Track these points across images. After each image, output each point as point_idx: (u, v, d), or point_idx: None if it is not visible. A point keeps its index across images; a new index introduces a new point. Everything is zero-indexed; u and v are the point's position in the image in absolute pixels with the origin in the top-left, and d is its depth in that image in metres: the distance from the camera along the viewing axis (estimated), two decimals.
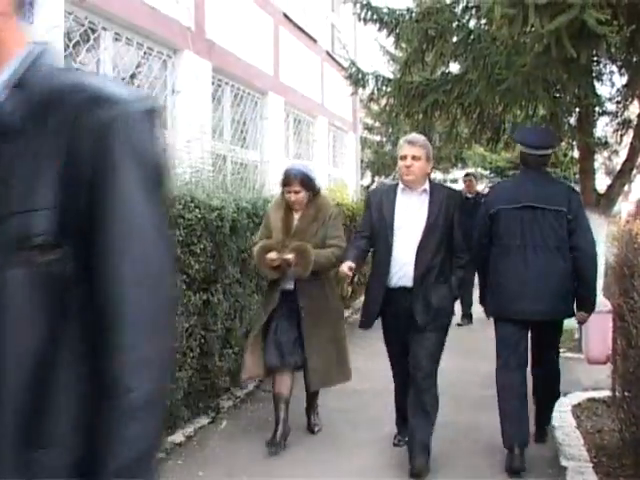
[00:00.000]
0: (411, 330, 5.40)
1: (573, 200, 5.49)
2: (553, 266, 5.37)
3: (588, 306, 5.64)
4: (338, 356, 6.16)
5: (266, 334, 6.02)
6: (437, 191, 5.57)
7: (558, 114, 8.35)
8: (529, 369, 5.73)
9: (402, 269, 5.41)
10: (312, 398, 6.40)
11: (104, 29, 7.85)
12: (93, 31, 7.67)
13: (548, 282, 5.33)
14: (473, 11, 8.53)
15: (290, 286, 6.00)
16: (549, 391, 5.99)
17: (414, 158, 5.43)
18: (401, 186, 5.57)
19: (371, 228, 5.65)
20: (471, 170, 17.73)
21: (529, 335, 5.61)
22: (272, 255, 5.91)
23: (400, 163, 5.52)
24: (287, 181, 6.08)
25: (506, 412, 5.39)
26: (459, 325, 10.77)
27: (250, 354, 6.06)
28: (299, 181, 6.01)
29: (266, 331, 6.03)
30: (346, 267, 5.46)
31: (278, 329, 5.98)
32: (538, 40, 5.97)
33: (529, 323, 5.47)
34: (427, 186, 5.55)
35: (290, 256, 5.84)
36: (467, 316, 11.54)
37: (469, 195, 11.55)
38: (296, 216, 6.12)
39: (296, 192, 6.02)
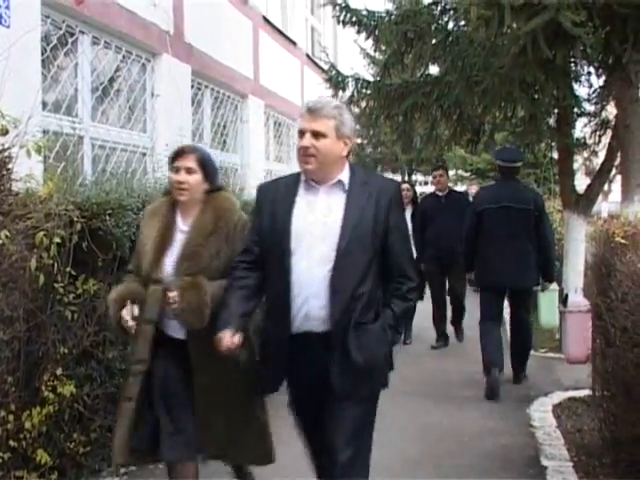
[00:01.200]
0: (325, 398, 3.54)
1: (538, 201, 7.57)
2: (523, 249, 7.38)
3: (549, 276, 7.74)
4: (252, 435, 4.24)
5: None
6: (360, 183, 3.60)
7: (537, 115, 8.39)
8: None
9: (306, 305, 3.47)
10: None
11: (82, 33, 7.81)
12: (71, 35, 7.63)
13: (520, 260, 7.33)
14: (451, 13, 8.57)
15: (179, 335, 3.88)
16: (522, 342, 7.82)
17: (316, 135, 3.50)
18: (303, 178, 3.64)
19: (261, 244, 3.64)
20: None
21: (506, 300, 7.85)
22: (125, 312, 3.82)
23: (298, 143, 3.60)
24: (178, 153, 3.96)
25: (485, 347, 7.38)
26: (433, 348, 9.62)
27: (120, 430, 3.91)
28: (196, 157, 3.92)
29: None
30: (227, 340, 3.54)
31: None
32: (515, 41, 6.02)
33: (505, 290, 7.61)
34: (344, 176, 3.60)
35: (173, 294, 3.74)
36: (443, 336, 9.86)
37: (439, 193, 9.82)
38: (183, 225, 3.97)
39: (188, 170, 3.90)
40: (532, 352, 8.67)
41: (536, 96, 8.29)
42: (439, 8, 8.70)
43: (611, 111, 9.38)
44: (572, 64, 8.08)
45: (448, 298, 9.90)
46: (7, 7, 6.20)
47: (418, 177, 31.26)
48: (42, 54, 6.92)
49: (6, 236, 4.15)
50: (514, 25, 5.70)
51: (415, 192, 10.55)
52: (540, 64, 6.43)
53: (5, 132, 4.38)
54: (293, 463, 4.97)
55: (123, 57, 8.73)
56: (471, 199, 9.45)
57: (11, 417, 4.41)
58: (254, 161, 12.70)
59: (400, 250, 3.60)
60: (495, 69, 7.25)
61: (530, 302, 8.00)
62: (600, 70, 8.25)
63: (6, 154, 4.37)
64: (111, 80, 8.53)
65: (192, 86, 10.41)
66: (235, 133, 12.51)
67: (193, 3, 10.08)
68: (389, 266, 3.58)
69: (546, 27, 5.57)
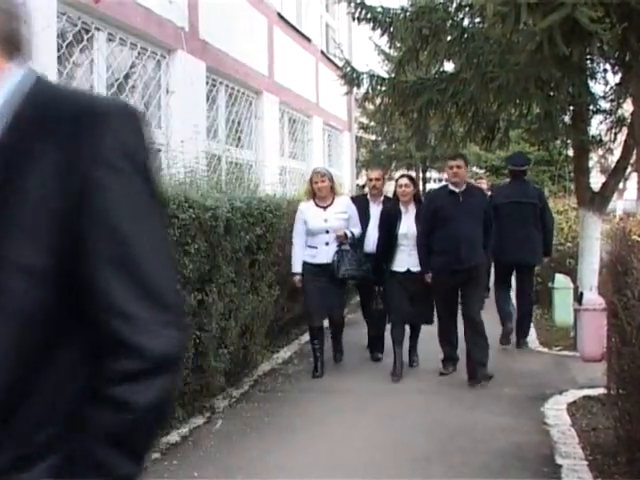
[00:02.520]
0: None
1: (541, 196, 9.68)
2: (531, 234, 9.29)
3: (548, 253, 9.70)
4: None
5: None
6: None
7: (552, 112, 8.37)
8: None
9: None
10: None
11: (97, 29, 7.83)
12: (86, 31, 7.65)
13: (528, 243, 9.25)
14: (466, 10, 8.54)
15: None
16: (525, 309, 9.64)
17: None
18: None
19: None
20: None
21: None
22: None
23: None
24: None
25: (502, 306, 9.61)
26: (442, 374, 8.07)
27: None
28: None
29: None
30: None
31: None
32: (531, 38, 5.99)
33: (515, 266, 9.57)
34: None
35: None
36: (451, 360, 8.21)
37: (455, 188, 7.84)
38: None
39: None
40: (546, 350, 8.69)
41: (551, 93, 8.26)
42: (454, 5, 8.67)
43: (627, 108, 9.34)
44: (588, 61, 8.04)
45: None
46: (23, 4, 6.21)
47: (433, 174, 31.24)
48: (58, 51, 6.94)
49: None
50: (530, 22, 5.67)
51: (418, 188, 8.62)
52: (556, 61, 6.40)
53: None
54: (293, 463, 5.01)
55: (138, 54, 8.75)
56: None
57: None
58: (269, 158, 12.70)
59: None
60: (511, 66, 7.22)
61: (532, 278, 9.97)
62: (616, 67, 8.21)
63: None
64: (126, 76, 8.55)
65: (207, 82, 10.42)
66: (250, 129, 12.51)
67: (208, 0, 10.09)
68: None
69: (562, 23, 5.54)
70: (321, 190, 8.18)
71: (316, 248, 8.11)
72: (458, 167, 7.83)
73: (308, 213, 8.19)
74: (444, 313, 8.07)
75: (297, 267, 8.19)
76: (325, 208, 8.18)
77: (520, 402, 7.01)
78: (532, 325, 10.07)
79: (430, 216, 7.80)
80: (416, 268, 7.93)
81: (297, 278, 8.21)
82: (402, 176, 8.56)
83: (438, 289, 7.92)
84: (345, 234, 8.08)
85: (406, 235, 7.98)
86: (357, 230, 8.32)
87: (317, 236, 8.11)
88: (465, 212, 7.69)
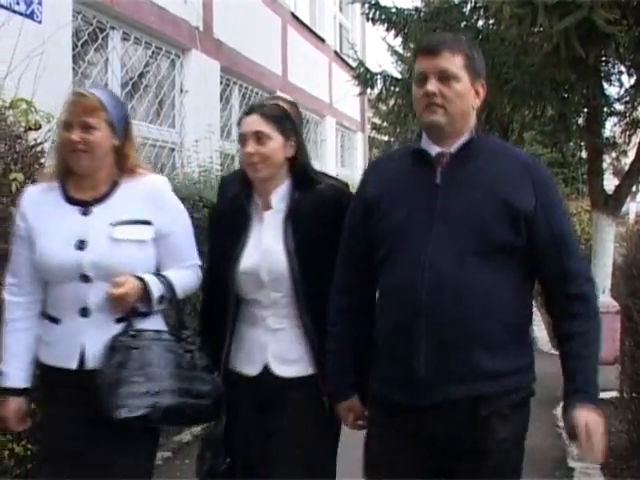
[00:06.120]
0: None
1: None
2: None
3: None
4: None
5: None
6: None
7: (566, 114, 8.33)
8: None
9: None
10: None
11: (112, 28, 7.86)
12: (101, 30, 7.68)
13: None
14: (481, 11, 8.52)
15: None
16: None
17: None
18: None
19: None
20: None
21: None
22: None
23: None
24: None
25: None
26: None
27: None
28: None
29: None
30: None
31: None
32: (547, 40, 5.97)
33: None
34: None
35: None
36: None
37: None
38: None
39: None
40: (558, 352, 8.66)
41: (566, 95, 8.23)
42: (469, 6, 8.66)
43: None
44: (603, 63, 8.01)
45: None
46: (39, 3, 6.25)
47: None
48: (73, 50, 6.96)
49: None
50: (547, 23, 5.66)
51: None
52: (571, 63, 6.38)
53: (38, 127, 4.43)
54: None
55: (153, 53, 8.78)
56: None
57: None
58: None
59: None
60: (526, 67, 7.19)
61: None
62: (631, 69, 8.17)
63: (39, 149, 4.40)
64: (141, 75, 8.58)
65: (221, 82, 10.44)
66: None
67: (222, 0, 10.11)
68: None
69: (579, 26, 5.53)
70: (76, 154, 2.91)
71: (57, 322, 2.93)
72: None
73: (42, 220, 2.95)
74: None
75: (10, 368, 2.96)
76: (86, 205, 2.93)
77: (532, 405, 6.97)
78: (543, 327, 10.04)
79: None
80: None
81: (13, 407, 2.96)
82: None
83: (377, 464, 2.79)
84: (127, 296, 2.83)
85: None
86: (188, 272, 3.09)
87: (60, 287, 2.90)
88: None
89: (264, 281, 2.99)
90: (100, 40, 7.68)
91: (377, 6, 9.43)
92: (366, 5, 9.49)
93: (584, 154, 10.59)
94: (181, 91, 9.32)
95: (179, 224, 3.04)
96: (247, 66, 11.30)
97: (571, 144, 10.49)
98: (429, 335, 2.49)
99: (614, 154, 11.02)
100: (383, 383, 2.66)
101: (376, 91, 10.10)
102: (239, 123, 3.11)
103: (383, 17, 9.38)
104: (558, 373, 7.91)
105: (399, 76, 10.44)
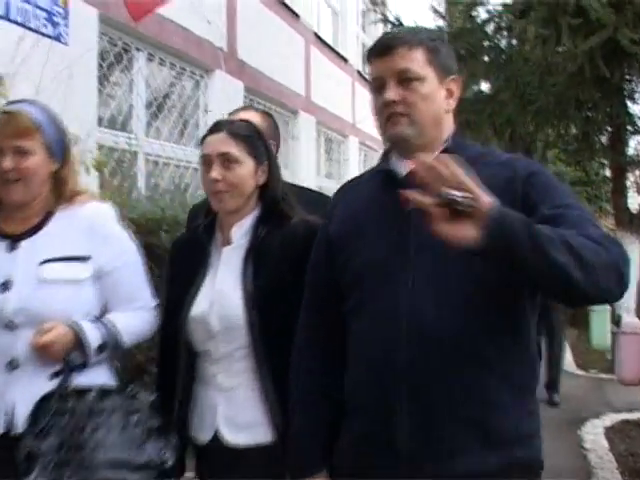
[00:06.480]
0: None
1: None
2: None
3: None
4: None
5: None
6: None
7: (590, 133, 8.31)
8: None
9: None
10: None
11: (137, 50, 7.93)
12: (126, 52, 7.75)
13: None
14: (505, 32, 8.52)
15: None
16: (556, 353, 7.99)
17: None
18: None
19: None
20: None
21: None
22: None
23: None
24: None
25: None
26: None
27: None
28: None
29: None
30: None
31: None
32: (572, 60, 5.97)
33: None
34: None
35: None
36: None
37: None
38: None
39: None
40: (583, 373, 8.59)
41: (589, 114, 8.21)
42: (493, 26, 8.66)
43: None
44: (627, 82, 7.99)
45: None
46: (66, 25, 6.30)
47: None
48: (98, 71, 7.04)
49: None
50: (571, 44, 5.66)
51: None
52: (596, 82, 6.37)
53: None
54: None
55: (177, 73, 8.85)
56: None
57: None
58: (305, 177, 12.73)
59: None
60: (549, 87, 7.19)
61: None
62: None
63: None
64: (165, 96, 8.65)
65: (244, 102, 10.49)
66: (286, 149, 12.55)
67: (246, 20, 10.18)
68: None
69: (604, 45, 5.53)
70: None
71: None
72: None
73: None
74: None
75: None
76: (15, 239, 2.53)
77: (557, 425, 6.93)
78: (568, 347, 9.96)
79: None
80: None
81: None
82: None
83: None
84: (54, 345, 2.40)
85: None
86: (139, 314, 2.69)
87: None
88: None
89: (213, 330, 2.50)
90: (125, 61, 7.76)
91: (400, 26, 9.45)
92: (389, 25, 9.52)
93: (608, 172, 10.56)
94: (205, 111, 9.38)
95: (125, 259, 2.61)
96: (270, 86, 11.35)
97: (594, 162, 10.46)
98: (412, 402, 2.02)
99: (638, 172, 10.95)
100: (354, 460, 2.15)
101: None
102: (202, 142, 2.59)
103: None
104: (582, 394, 7.91)
105: None
